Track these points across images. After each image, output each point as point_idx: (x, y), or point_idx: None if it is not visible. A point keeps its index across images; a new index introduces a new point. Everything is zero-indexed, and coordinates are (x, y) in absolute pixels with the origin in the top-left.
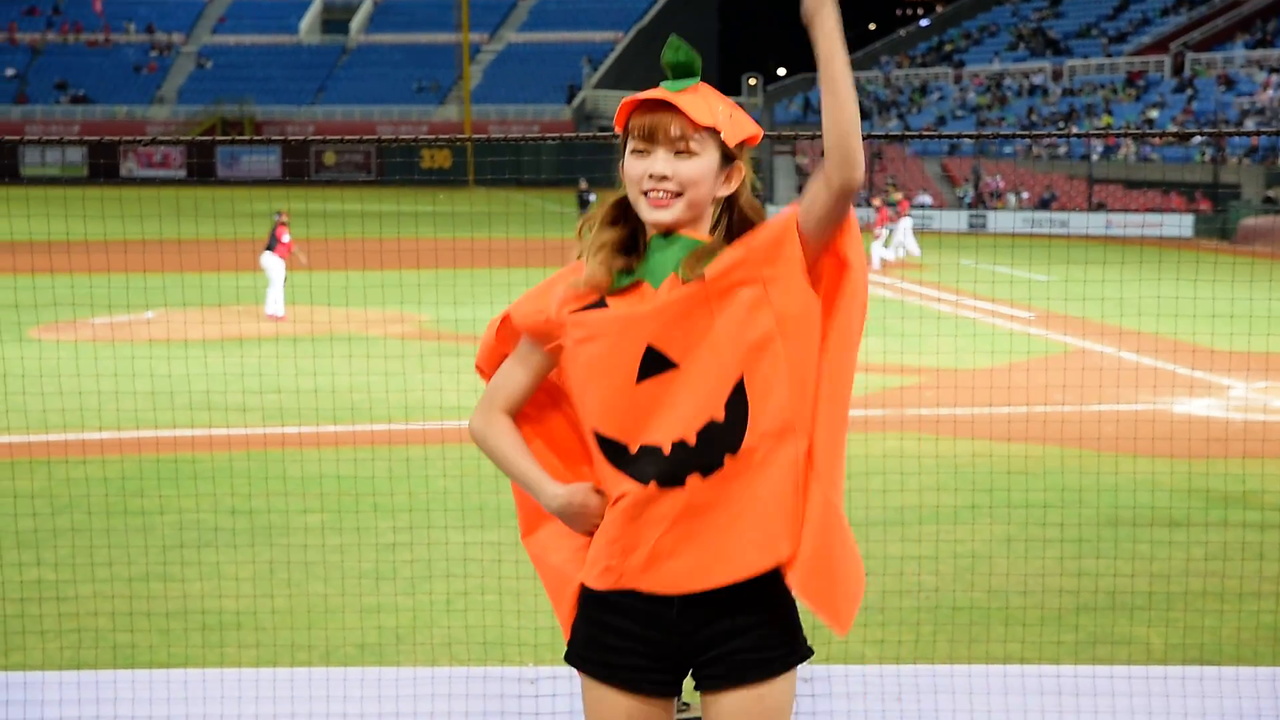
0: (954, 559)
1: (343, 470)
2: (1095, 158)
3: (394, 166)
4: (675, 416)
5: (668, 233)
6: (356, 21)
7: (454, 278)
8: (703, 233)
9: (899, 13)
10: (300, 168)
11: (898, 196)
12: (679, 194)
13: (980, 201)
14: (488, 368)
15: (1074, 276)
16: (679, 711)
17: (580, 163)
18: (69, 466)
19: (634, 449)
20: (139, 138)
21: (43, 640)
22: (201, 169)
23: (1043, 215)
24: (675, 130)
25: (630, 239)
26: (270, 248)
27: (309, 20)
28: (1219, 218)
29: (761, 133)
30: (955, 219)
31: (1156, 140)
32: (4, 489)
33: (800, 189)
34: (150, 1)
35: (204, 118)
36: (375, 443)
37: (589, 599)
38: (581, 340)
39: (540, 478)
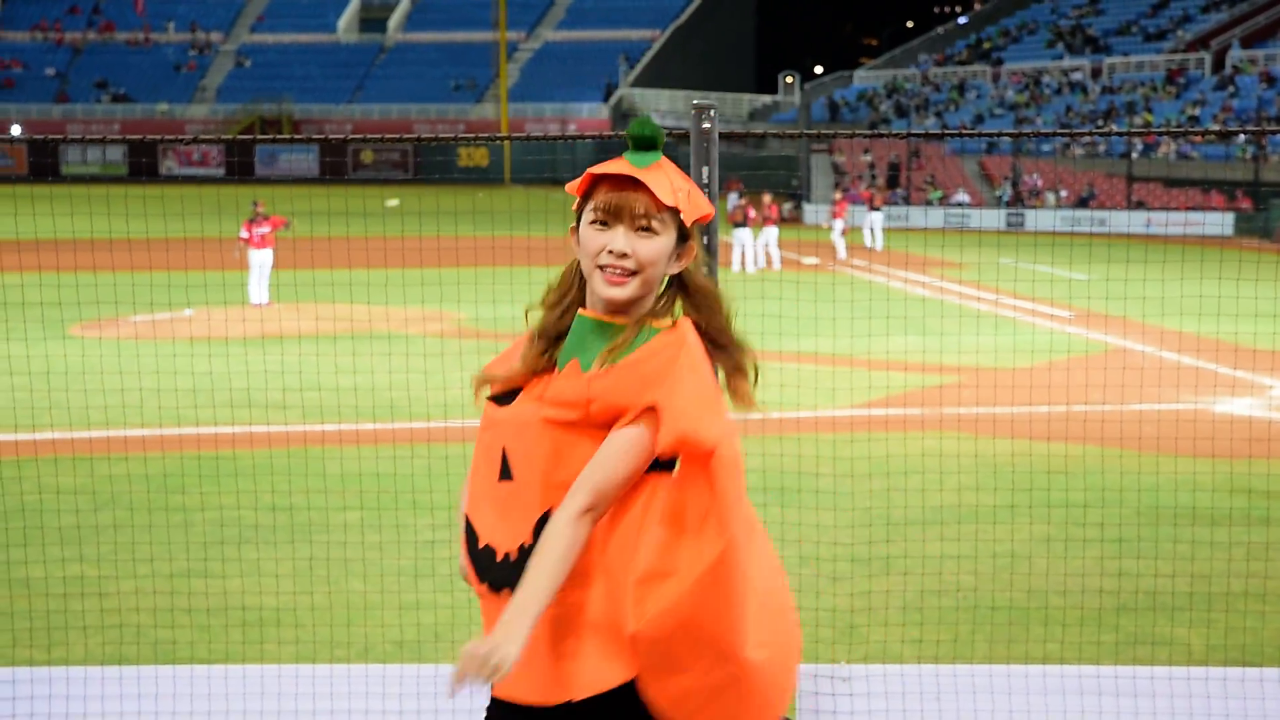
0: (993, 558)
1: (381, 468)
2: (1135, 156)
3: (431, 165)
4: (508, 527)
5: (603, 315)
6: (394, 20)
7: (492, 275)
8: (639, 313)
9: (936, 10)
10: (338, 166)
11: (837, 196)
12: (636, 272)
13: (1018, 200)
14: None
15: (1113, 275)
16: None
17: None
18: (110, 463)
19: (480, 544)
20: (179, 137)
21: (84, 636)
22: (240, 167)
23: (1082, 214)
24: (639, 209)
25: (559, 321)
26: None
27: (347, 19)
28: (1260, 216)
29: (714, 212)
30: (994, 218)
31: (1197, 138)
32: (46, 485)
33: (837, 185)
34: (190, 0)
35: (243, 116)
36: (414, 440)
37: None
38: (480, 428)
39: None
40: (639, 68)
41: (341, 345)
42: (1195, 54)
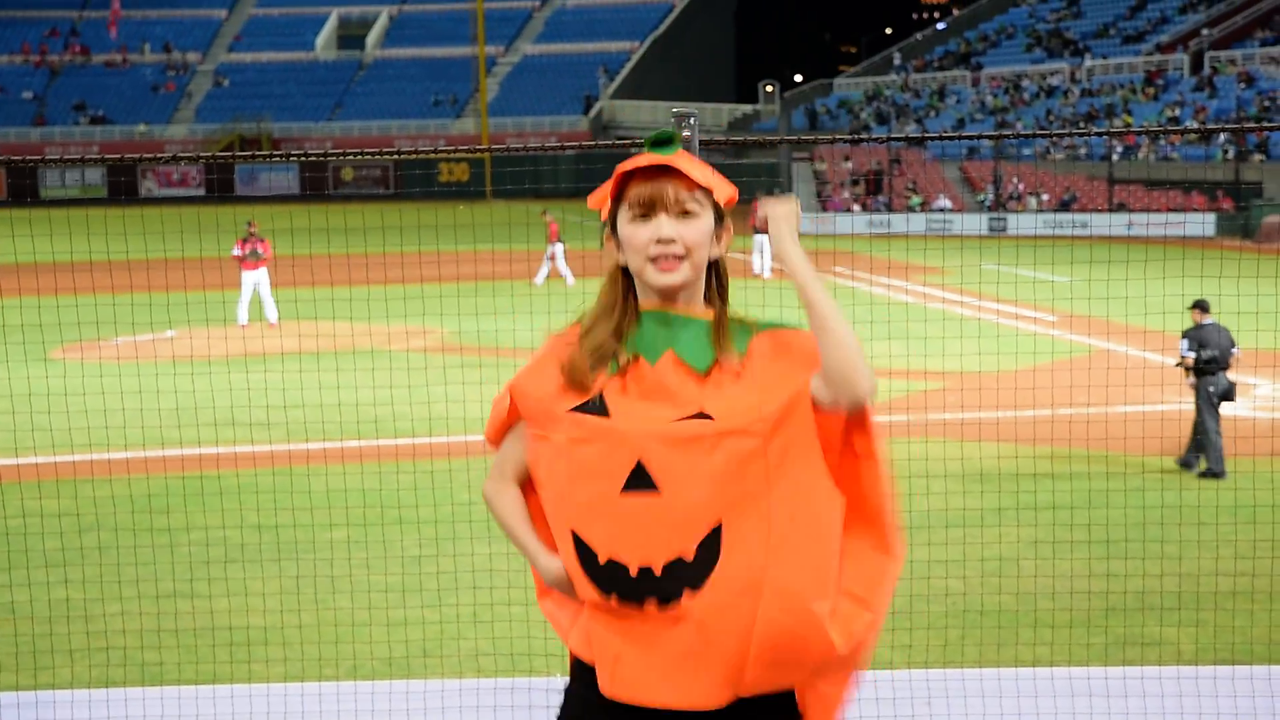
0: (981, 562)
1: (366, 485)
2: (1115, 158)
3: (412, 179)
4: (647, 540)
5: (664, 306)
6: (372, 37)
7: (475, 290)
8: (698, 303)
9: (915, 16)
10: (319, 183)
11: (547, 220)
12: (684, 257)
13: (1000, 204)
14: (496, 439)
15: (1096, 277)
16: None
17: (598, 172)
18: (94, 486)
19: (602, 559)
20: (158, 155)
21: (71, 659)
22: (221, 186)
23: (1064, 217)
24: (674, 194)
25: (621, 322)
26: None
27: (325, 36)
28: (1241, 216)
29: (736, 193)
30: (976, 222)
31: (1176, 139)
32: (30, 509)
33: (819, 194)
34: (167, 21)
35: (222, 136)
36: (399, 457)
37: (577, 664)
38: (576, 440)
39: (537, 550)
40: (618, 79)
41: (324, 362)
42: (1173, 55)
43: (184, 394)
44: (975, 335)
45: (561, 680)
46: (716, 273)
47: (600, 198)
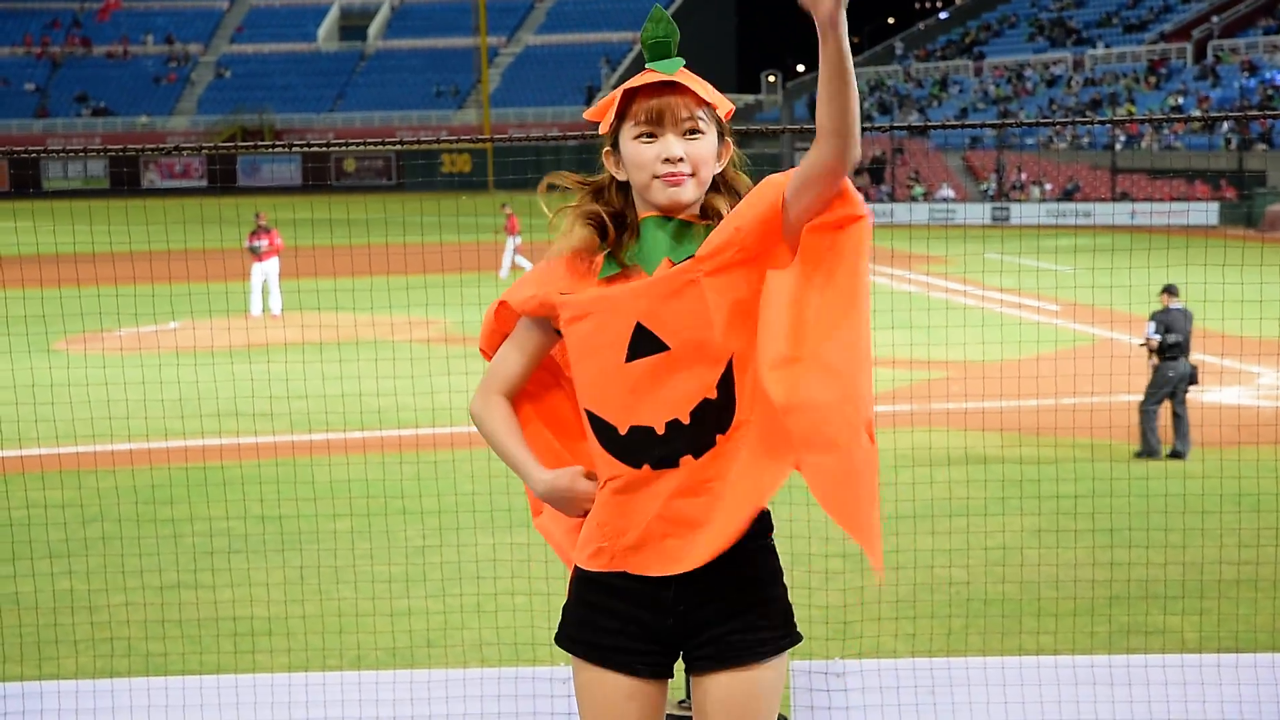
0: (984, 551)
1: (370, 475)
2: (1119, 148)
3: (414, 170)
4: (668, 396)
5: (664, 217)
6: (374, 27)
7: (477, 280)
8: (695, 213)
9: (917, 5)
10: (321, 174)
11: (506, 212)
12: (692, 174)
13: (1003, 194)
14: (490, 350)
15: (1099, 266)
16: (680, 707)
17: (601, 164)
18: (98, 477)
19: (624, 429)
20: (160, 146)
21: (75, 650)
22: (223, 177)
23: (1067, 206)
24: (684, 111)
25: (616, 218)
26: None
27: (327, 27)
28: (1244, 205)
29: (733, 108)
30: (979, 212)
31: (1179, 128)
32: (34, 500)
33: None
34: (168, 12)
35: (224, 127)
36: (402, 448)
37: (582, 579)
38: (571, 320)
39: (527, 462)
40: (620, 69)
41: (328, 353)
42: (1176, 44)
43: (187, 385)
44: (978, 324)
45: (565, 670)
46: (723, 184)
47: (601, 111)
